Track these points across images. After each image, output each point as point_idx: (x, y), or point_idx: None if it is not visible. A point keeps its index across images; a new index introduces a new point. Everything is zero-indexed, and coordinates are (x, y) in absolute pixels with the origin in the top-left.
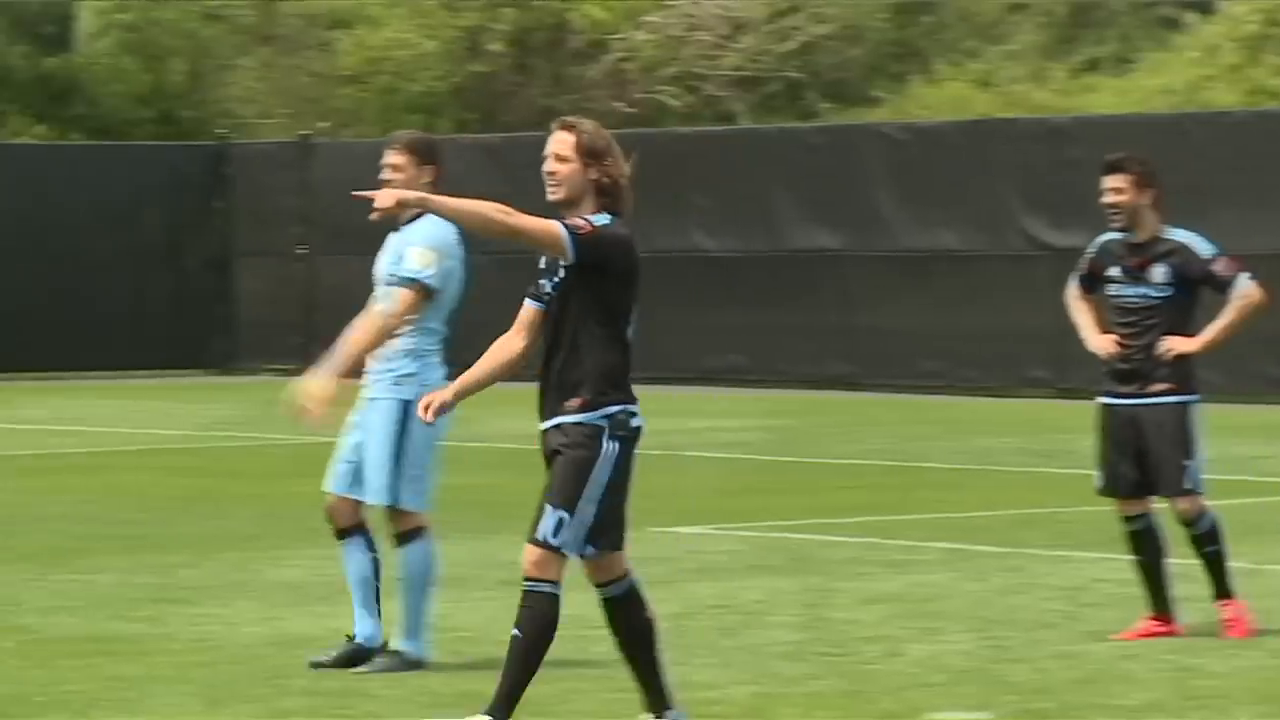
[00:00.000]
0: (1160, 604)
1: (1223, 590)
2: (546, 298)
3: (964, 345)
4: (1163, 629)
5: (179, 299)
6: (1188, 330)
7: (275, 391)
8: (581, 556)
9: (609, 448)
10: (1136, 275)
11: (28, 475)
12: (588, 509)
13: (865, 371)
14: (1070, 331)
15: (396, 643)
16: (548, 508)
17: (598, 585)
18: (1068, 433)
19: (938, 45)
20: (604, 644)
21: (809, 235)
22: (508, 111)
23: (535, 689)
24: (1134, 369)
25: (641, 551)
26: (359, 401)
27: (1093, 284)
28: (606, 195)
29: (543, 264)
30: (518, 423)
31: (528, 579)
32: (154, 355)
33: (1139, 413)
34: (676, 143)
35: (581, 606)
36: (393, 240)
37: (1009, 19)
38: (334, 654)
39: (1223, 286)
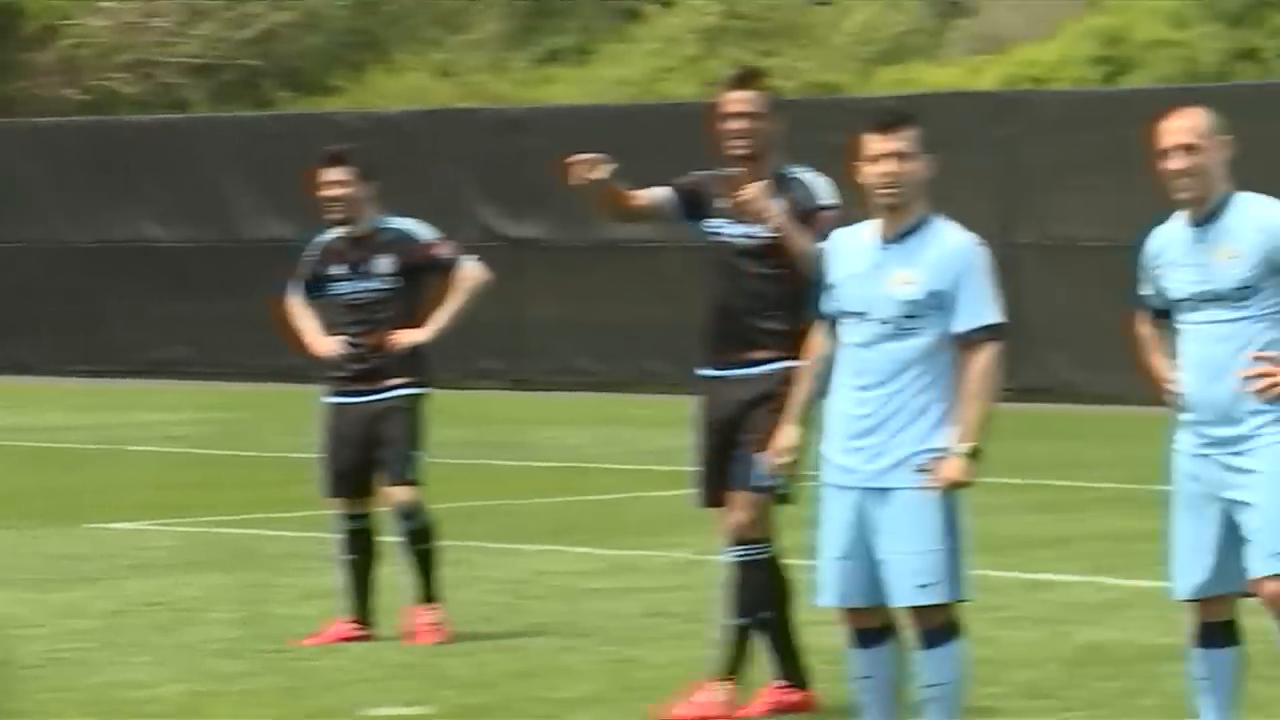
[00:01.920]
0: (362, 608)
1: (427, 594)
2: None
3: None
4: (358, 633)
5: None
6: (418, 320)
7: None
8: None
9: None
10: (361, 270)
11: None
12: None
13: (316, 364)
14: (525, 322)
15: None
16: None
17: None
18: (518, 424)
19: (399, 34)
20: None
21: (264, 225)
22: None
23: None
24: (368, 367)
25: (77, 548)
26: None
27: (318, 287)
28: None
29: None
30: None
31: None
32: None
33: (373, 409)
34: (128, 130)
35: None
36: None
37: (472, 8)
38: None
39: (446, 269)
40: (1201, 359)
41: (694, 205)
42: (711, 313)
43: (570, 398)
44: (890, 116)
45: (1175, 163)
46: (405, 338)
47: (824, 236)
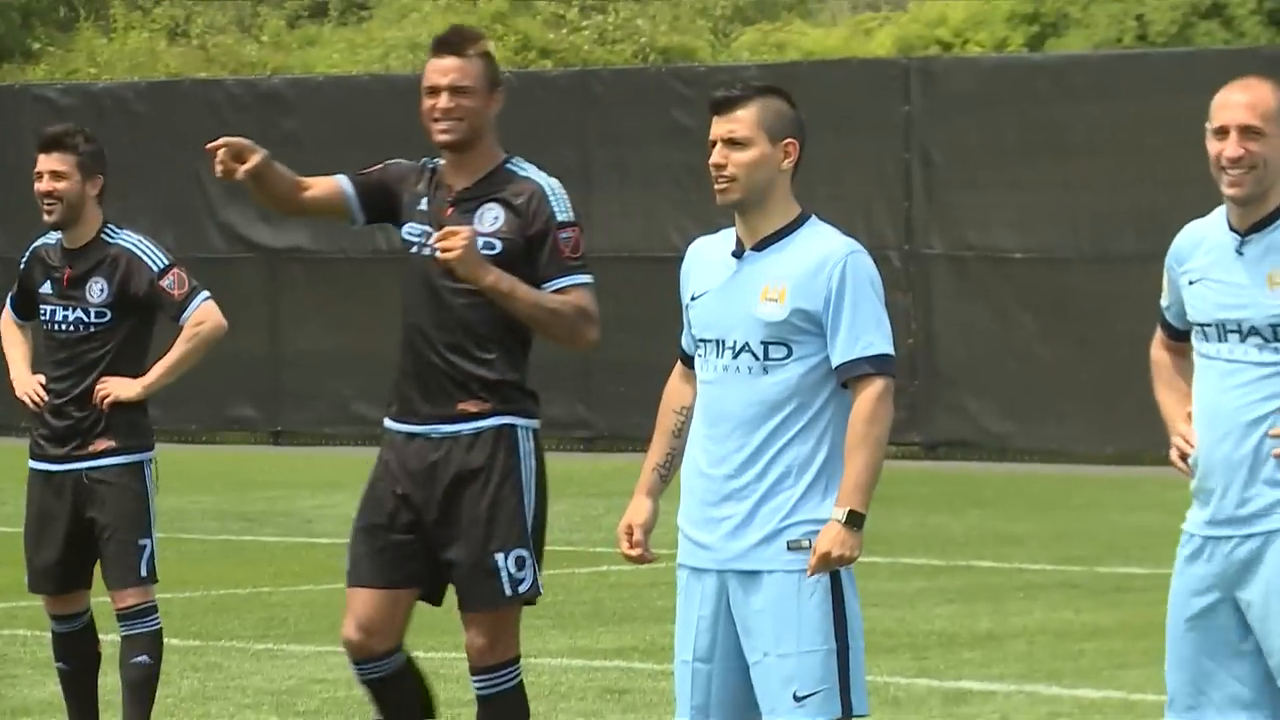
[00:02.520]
0: None
1: None
2: None
3: None
4: None
5: None
6: (140, 365)
7: None
8: None
9: None
10: (69, 294)
11: None
12: None
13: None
14: (288, 360)
15: None
16: None
17: None
18: (281, 488)
19: None
20: None
21: None
22: None
23: None
24: (69, 424)
25: None
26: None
27: (28, 306)
28: None
29: None
30: None
31: None
32: None
33: (79, 481)
34: None
35: None
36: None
37: None
38: None
39: (175, 311)
40: (1217, 407)
41: (382, 205)
42: (404, 348)
43: (346, 454)
44: (723, 93)
45: (1229, 148)
46: (114, 389)
47: (562, 269)
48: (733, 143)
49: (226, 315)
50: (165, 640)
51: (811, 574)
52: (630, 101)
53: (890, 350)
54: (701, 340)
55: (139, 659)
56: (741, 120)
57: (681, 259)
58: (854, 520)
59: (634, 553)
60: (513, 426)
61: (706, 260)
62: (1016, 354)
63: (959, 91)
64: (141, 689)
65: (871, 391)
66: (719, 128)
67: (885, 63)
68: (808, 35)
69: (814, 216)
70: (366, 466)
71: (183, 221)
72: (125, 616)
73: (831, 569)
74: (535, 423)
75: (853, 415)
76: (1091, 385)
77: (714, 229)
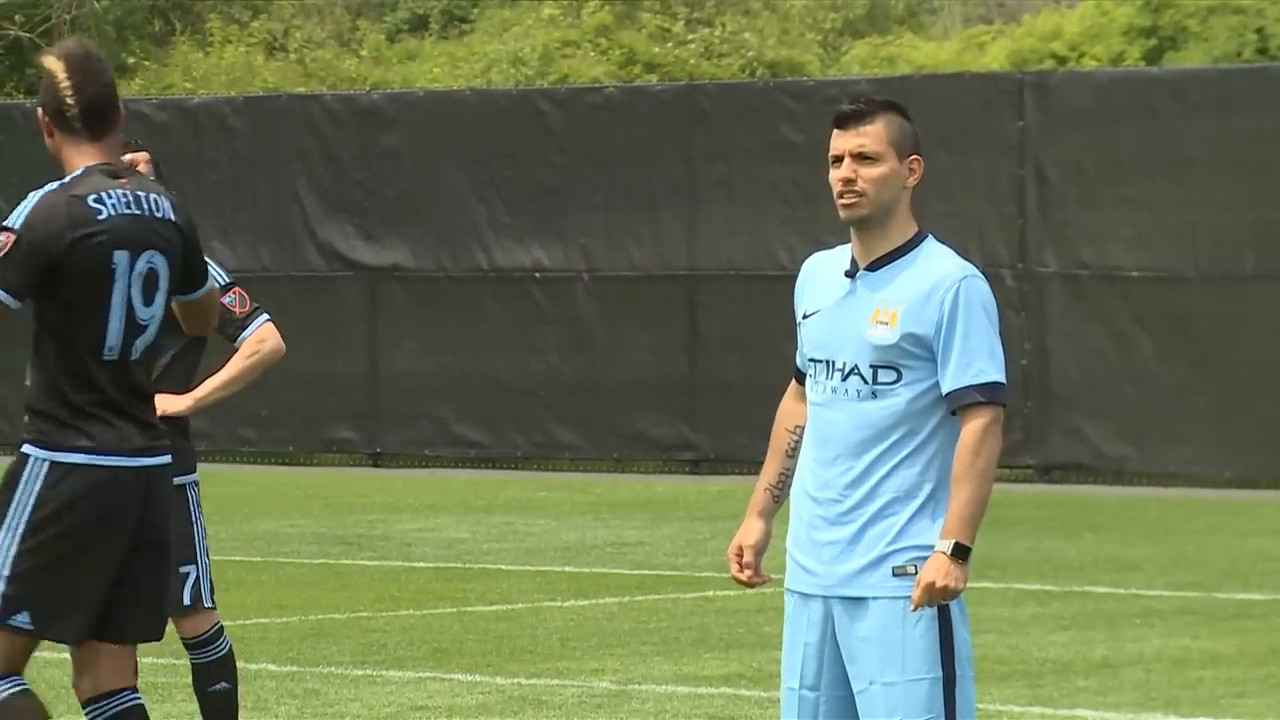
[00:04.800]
0: None
1: None
2: None
3: (247, 398)
4: None
5: None
6: (191, 383)
7: None
8: None
9: None
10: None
11: None
12: None
13: None
14: (388, 381)
15: None
16: None
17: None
18: (381, 511)
19: None
20: None
21: None
22: None
23: None
24: None
25: None
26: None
27: None
28: None
29: None
30: None
31: None
32: None
33: None
34: None
35: None
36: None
37: None
38: None
39: (235, 329)
40: None
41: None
42: None
43: (448, 476)
44: (851, 106)
45: None
46: (165, 404)
47: None
48: (863, 157)
49: (325, 335)
50: (262, 665)
51: (916, 607)
52: (737, 116)
53: (1001, 379)
54: (812, 360)
55: (216, 686)
56: (872, 134)
57: (789, 277)
58: (959, 552)
59: (743, 575)
60: (25, 455)
61: (821, 277)
62: (1133, 375)
63: (1074, 106)
64: (223, 714)
65: (980, 421)
66: (846, 142)
67: (999, 77)
68: (919, 49)
69: (931, 236)
70: (467, 490)
71: (280, 239)
72: (189, 647)
73: (936, 601)
74: (55, 454)
75: (960, 445)
76: (1210, 407)
77: (821, 247)
